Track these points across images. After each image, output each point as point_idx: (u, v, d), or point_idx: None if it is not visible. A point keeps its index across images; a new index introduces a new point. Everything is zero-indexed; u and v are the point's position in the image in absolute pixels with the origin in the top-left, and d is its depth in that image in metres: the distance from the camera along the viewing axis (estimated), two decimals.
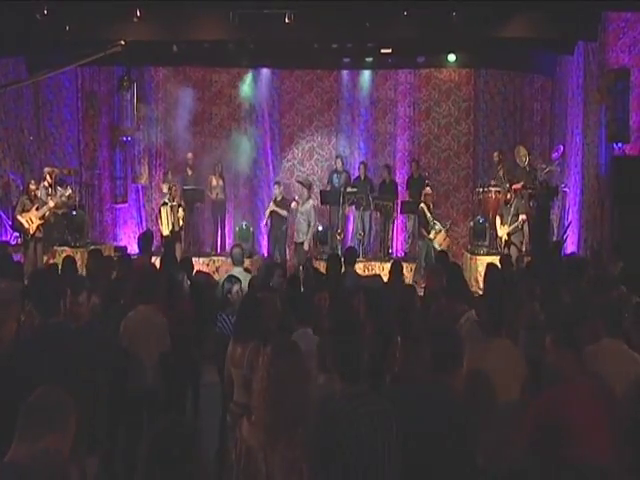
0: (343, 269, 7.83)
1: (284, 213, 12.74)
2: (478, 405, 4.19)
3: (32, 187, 11.80)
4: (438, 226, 12.28)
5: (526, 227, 11.93)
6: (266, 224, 13.21)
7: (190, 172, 13.87)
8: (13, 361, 4.36)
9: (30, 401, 2.76)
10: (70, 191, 12.57)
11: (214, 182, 13.82)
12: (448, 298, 5.81)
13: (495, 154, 13.32)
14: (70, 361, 4.43)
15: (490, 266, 8.03)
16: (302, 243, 12.75)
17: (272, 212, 12.79)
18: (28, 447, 2.67)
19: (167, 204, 12.68)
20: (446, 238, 12.30)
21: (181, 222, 12.71)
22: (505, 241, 11.70)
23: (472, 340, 4.82)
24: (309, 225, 12.70)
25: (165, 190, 13.26)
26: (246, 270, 8.49)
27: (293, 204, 12.54)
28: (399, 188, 13.86)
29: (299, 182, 13.07)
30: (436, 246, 12.08)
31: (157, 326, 5.67)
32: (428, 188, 12.72)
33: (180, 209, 12.70)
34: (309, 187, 12.99)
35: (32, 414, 2.72)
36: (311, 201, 12.93)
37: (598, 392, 3.47)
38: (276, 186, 13.09)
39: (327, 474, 2.87)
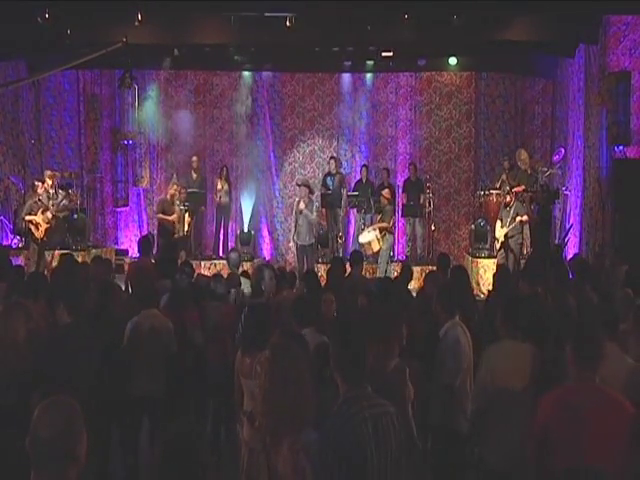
0: (348, 271, 7.83)
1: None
2: (486, 405, 4.25)
3: (40, 190, 11.79)
4: (370, 231, 12.34)
5: (526, 229, 11.92)
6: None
7: (195, 175, 13.85)
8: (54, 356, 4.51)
9: (41, 425, 2.44)
10: (70, 194, 12.59)
11: (219, 185, 13.83)
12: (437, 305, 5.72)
13: (505, 163, 13.29)
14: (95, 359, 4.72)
15: (501, 267, 8.01)
16: (310, 245, 12.59)
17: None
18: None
19: (177, 206, 12.63)
20: (371, 242, 12.25)
21: (186, 227, 12.67)
22: (501, 242, 11.66)
23: (456, 347, 4.85)
24: (313, 227, 12.65)
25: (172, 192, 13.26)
26: (244, 274, 8.48)
27: (301, 205, 12.52)
28: (398, 191, 13.90)
29: (302, 184, 13.06)
30: (360, 240, 12.46)
31: (162, 330, 5.67)
32: (386, 190, 12.74)
33: (187, 213, 12.66)
34: (310, 189, 12.96)
35: (47, 441, 2.43)
36: (315, 203, 12.91)
37: (603, 396, 3.47)
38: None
39: (331, 477, 2.87)
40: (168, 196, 12.58)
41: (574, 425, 3.41)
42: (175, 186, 12.72)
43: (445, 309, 5.08)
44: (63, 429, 2.43)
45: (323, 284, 7.64)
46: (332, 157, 14.29)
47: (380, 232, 12.19)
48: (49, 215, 11.58)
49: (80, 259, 11.02)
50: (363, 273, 8.50)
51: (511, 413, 4.25)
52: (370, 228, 12.48)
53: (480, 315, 6.51)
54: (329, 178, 13.96)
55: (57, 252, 12.32)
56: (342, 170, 14.44)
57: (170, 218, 12.23)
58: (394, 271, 12.13)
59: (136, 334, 5.59)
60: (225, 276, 7.55)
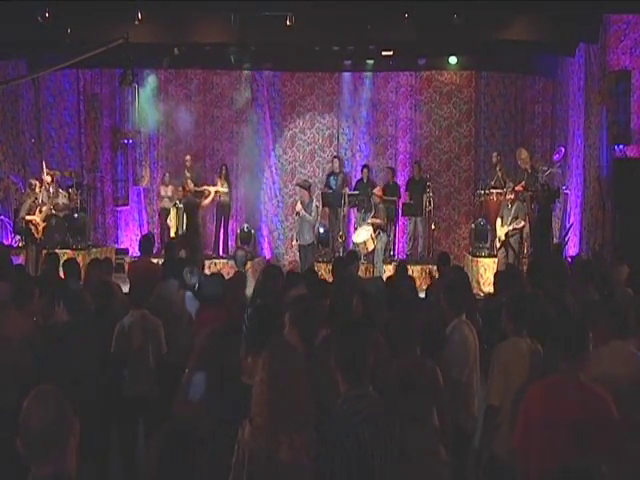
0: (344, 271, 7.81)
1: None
2: (498, 403, 4.35)
3: (37, 190, 11.81)
4: (365, 231, 12.33)
5: (527, 228, 11.92)
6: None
7: (188, 174, 13.83)
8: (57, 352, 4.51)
9: (32, 415, 2.41)
10: (70, 193, 12.60)
11: (219, 185, 13.82)
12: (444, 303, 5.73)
13: (494, 154, 13.32)
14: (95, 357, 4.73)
15: (509, 266, 8.03)
16: (309, 245, 12.57)
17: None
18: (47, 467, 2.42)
19: (176, 206, 12.61)
20: (366, 242, 12.21)
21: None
22: (502, 241, 11.65)
23: (463, 344, 4.88)
24: (313, 227, 12.61)
25: (170, 193, 13.21)
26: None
27: (298, 207, 12.47)
28: (401, 190, 13.92)
29: (298, 185, 13.03)
30: (354, 239, 12.44)
31: (152, 331, 5.66)
32: (377, 188, 12.73)
33: (185, 213, 12.62)
34: (308, 188, 12.92)
35: (39, 432, 2.39)
36: (315, 202, 12.88)
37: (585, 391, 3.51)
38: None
39: (332, 476, 2.87)
40: (188, 194, 12.54)
41: (554, 418, 3.47)
42: (186, 185, 12.74)
43: (452, 307, 5.10)
44: (55, 414, 2.40)
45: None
46: (335, 156, 14.31)
47: (374, 230, 12.20)
48: (45, 209, 11.60)
49: (80, 259, 11.02)
50: (363, 273, 8.49)
51: None
52: (364, 224, 12.47)
53: (482, 314, 6.52)
54: (332, 177, 13.97)
55: (57, 250, 12.34)
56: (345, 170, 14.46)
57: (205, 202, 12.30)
58: (385, 270, 12.17)
59: (123, 335, 5.57)
60: (226, 275, 7.55)
